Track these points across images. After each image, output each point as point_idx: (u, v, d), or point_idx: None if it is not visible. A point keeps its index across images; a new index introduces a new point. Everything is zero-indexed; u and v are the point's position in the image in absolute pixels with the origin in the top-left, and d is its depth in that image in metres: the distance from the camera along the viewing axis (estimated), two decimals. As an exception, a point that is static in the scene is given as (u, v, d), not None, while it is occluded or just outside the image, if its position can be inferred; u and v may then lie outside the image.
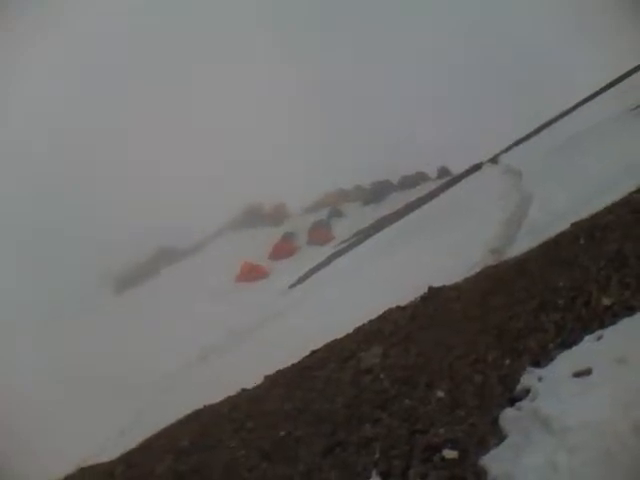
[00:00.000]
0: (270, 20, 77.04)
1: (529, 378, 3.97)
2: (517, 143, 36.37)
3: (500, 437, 3.69)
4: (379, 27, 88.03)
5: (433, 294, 7.25)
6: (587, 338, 4.06)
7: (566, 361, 3.86)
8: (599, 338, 3.93)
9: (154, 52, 68.55)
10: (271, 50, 71.86)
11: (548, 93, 45.22)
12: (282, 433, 5.49)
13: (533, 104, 45.34)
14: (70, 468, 7.83)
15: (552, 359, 4.09)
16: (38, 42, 52.17)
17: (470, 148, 42.06)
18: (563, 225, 6.90)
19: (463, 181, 33.63)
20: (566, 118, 30.04)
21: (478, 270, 8.23)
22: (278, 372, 7.45)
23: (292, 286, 28.10)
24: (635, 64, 27.73)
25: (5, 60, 46.86)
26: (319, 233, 41.76)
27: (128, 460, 6.76)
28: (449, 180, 39.85)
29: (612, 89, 27.94)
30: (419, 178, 50.95)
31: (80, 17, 62.12)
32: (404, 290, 8.31)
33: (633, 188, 6.49)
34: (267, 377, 7.48)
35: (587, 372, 3.50)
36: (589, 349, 3.87)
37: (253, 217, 52.23)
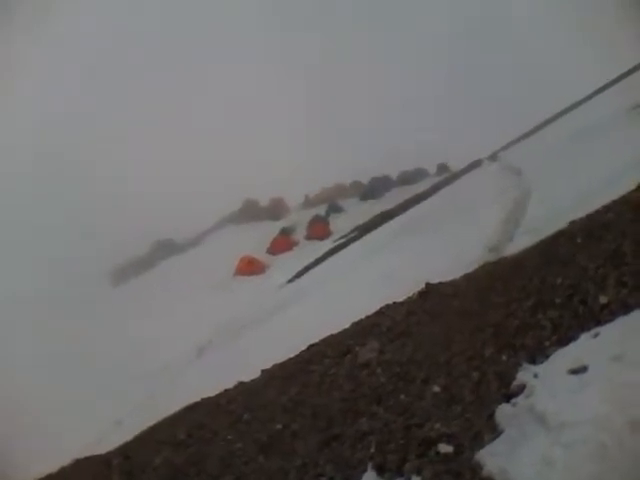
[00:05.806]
0: (270, 18, 77.12)
1: (525, 374, 3.98)
2: (517, 141, 36.43)
3: (496, 432, 3.70)
4: (379, 27, 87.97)
5: (430, 290, 7.29)
6: (583, 336, 4.07)
7: (562, 358, 3.88)
8: (595, 336, 3.94)
9: (154, 47, 68.50)
10: (271, 48, 72.01)
11: (548, 92, 45.29)
12: (279, 426, 5.52)
13: (533, 102, 45.38)
14: (66, 460, 7.83)
15: (548, 356, 4.11)
16: (35, 41, 52.08)
17: (469, 145, 42.17)
18: (561, 223, 6.92)
19: (462, 178, 33.65)
20: (565, 116, 30.08)
21: (476, 267, 8.25)
22: (275, 366, 7.48)
23: (290, 281, 28.04)
24: (635, 63, 27.82)
25: (3, 58, 46.77)
26: (318, 228, 41.60)
27: (125, 451, 6.78)
28: (448, 177, 39.87)
29: (612, 88, 27.99)
30: (418, 174, 51.01)
31: (76, 16, 62.02)
32: (402, 286, 8.32)
33: (632, 187, 6.51)
34: (264, 371, 7.51)
35: (583, 369, 3.51)
36: (585, 346, 3.88)
37: (251, 212, 52.18)
